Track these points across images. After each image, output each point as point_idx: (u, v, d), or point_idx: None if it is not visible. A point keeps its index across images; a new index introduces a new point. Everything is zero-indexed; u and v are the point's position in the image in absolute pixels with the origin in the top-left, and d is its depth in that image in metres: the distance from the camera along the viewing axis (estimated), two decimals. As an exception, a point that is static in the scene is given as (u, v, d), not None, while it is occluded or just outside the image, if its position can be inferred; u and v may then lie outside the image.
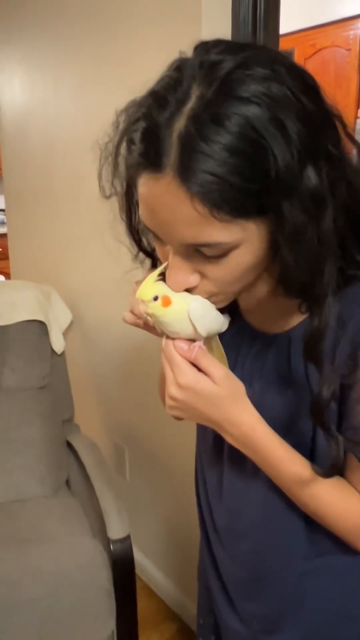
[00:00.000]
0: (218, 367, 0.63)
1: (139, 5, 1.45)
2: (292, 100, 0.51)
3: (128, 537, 1.38)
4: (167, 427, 1.69)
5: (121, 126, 0.59)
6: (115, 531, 1.38)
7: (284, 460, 0.65)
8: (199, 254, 0.57)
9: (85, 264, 1.96)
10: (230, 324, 0.71)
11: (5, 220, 2.60)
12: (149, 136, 0.53)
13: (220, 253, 0.56)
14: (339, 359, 0.61)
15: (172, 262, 0.59)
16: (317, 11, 3.98)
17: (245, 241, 0.55)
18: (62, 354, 1.90)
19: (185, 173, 0.51)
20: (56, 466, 1.73)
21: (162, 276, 0.63)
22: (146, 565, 1.94)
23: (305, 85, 0.53)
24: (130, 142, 0.56)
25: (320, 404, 0.59)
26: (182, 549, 1.74)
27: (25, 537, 1.45)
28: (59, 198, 2.04)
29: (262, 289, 0.67)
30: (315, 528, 0.70)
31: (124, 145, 0.59)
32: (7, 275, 3.03)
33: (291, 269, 0.57)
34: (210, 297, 0.62)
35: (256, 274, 0.62)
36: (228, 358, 0.72)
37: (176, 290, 0.61)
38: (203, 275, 0.60)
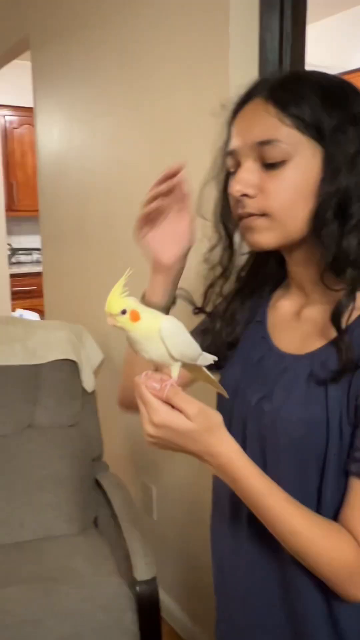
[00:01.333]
0: (191, 404, 0.64)
1: (168, 61, 1.53)
2: None
3: (154, 579, 1.38)
4: (195, 467, 1.70)
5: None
6: (141, 573, 1.38)
7: (262, 492, 0.66)
8: (262, 161, 0.68)
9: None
10: (256, 347, 0.78)
11: (41, 259, 2.69)
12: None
13: (277, 157, 0.66)
14: None
15: (243, 167, 0.69)
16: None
17: (297, 155, 0.66)
18: (93, 392, 1.94)
19: (275, 93, 0.68)
20: (85, 505, 1.75)
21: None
22: (172, 608, 1.92)
23: None
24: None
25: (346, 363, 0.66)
26: (209, 594, 1.72)
27: (52, 575, 1.47)
28: (92, 241, 2.12)
29: (311, 271, 0.73)
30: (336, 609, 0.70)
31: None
32: (41, 312, 3.12)
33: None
34: (258, 219, 0.69)
35: (303, 215, 0.68)
36: (249, 375, 0.76)
37: (241, 189, 0.69)
38: (261, 190, 0.68)
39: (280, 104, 0.66)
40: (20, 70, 3.02)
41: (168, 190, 0.75)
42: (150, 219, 0.77)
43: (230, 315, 0.83)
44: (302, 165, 0.66)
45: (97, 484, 1.82)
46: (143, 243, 0.79)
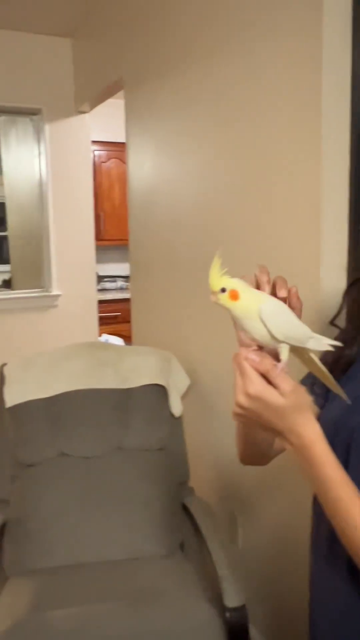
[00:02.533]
0: (287, 381, 0.66)
1: (258, 97, 1.59)
2: None
3: (244, 607, 1.38)
4: (282, 497, 1.69)
5: None
6: (231, 599, 1.38)
7: (336, 481, 0.67)
8: None
9: (203, 332, 2.06)
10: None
11: (125, 286, 2.79)
12: None
13: None
14: None
15: None
16: None
17: None
18: (180, 417, 1.98)
19: None
20: (172, 528, 1.78)
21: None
22: (257, 639, 1.90)
23: None
24: None
25: None
26: (295, 628, 1.69)
27: (141, 595, 1.50)
28: (180, 269, 2.19)
29: None
30: None
31: None
32: (127, 338, 3.23)
33: None
34: None
35: None
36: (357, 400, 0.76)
37: None
38: None
39: None
40: (107, 108, 3.20)
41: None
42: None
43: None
44: None
45: (184, 507, 1.85)
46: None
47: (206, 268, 0.66)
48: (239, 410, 0.70)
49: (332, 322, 0.86)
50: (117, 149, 4.58)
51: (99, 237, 4.67)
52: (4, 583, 1.65)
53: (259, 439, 0.82)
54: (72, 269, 3.46)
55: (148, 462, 1.87)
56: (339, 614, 0.80)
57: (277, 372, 0.66)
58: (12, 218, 4.26)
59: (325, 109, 1.36)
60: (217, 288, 0.66)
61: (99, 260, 4.47)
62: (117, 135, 3.95)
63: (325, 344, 0.70)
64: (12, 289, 4.28)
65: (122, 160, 4.61)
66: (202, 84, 1.91)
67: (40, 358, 2.00)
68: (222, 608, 1.39)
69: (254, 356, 0.67)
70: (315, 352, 0.71)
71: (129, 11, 2.45)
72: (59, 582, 1.58)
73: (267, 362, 0.67)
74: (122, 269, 4.92)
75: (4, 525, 1.76)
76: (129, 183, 2.63)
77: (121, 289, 4.88)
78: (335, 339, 0.75)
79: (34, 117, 3.31)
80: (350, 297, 0.87)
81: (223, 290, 0.66)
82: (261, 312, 0.65)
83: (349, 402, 0.74)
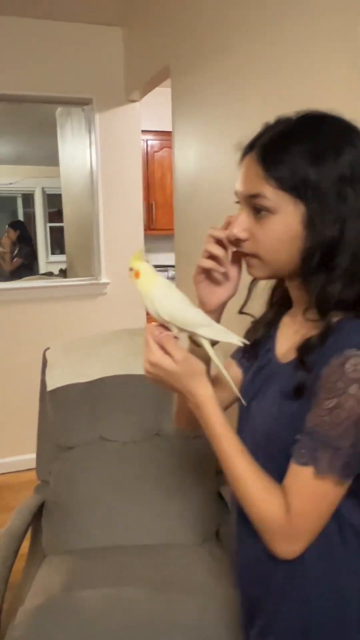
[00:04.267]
0: (178, 350, 0.80)
1: (306, 86, 1.54)
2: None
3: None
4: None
5: None
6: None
7: (221, 437, 0.80)
8: (255, 211, 0.78)
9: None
10: (264, 357, 0.90)
11: (174, 276, 2.79)
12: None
13: (264, 209, 0.76)
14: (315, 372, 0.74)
15: (241, 214, 0.81)
16: None
17: (281, 209, 0.75)
18: (219, 405, 1.97)
19: (261, 154, 0.77)
20: (207, 516, 1.78)
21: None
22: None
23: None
24: None
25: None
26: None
27: (172, 581, 1.51)
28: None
29: (300, 305, 0.84)
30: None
31: None
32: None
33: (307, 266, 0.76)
34: (252, 258, 0.82)
35: (286, 258, 0.78)
36: (252, 381, 0.90)
37: (236, 233, 0.80)
38: (252, 236, 0.80)
39: (265, 164, 0.76)
40: (159, 97, 3.19)
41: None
42: (205, 270, 0.89)
43: (257, 327, 0.97)
44: (286, 219, 0.76)
45: (220, 496, 1.84)
46: (197, 287, 0.92)
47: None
48: (147, 375, 0.83)
49: (241, 311, 0.96)
50: (168, 138, 4.58)
51: (150, 226, 4.70)
52: (42, 560, 1.70)
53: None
54: (120, 258, 3.49)
55: (185, 450, 1.87)
56: (249, 559, 0.90)
57: (171, 344, 0.80)
58: (67, 209, 4.36)
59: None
60: (129, 267, 0.83)
61: (151, 250, 4.50)
62: (170, 124, 3.96)
63: (219, 332, 0.83)
64: (67, 278, 4.39)
65: (174, 149, 4.61)
66: (249, 68, 1.87)
67: (81, 343, 2.04)
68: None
69: (154, 330, 0.81)
70: (210, 341, 0.84)
71: (177, -3, 2.44)
72: (92, 563, 1.61)
73: (163, 335, 0.81)
74: (173, 258, 4.93)
75: (43, 505, 1.81)
76: (174, 171, 2.62)
77: (172, 278, 4.89)
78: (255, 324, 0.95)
79: (85, 107, 3.35)
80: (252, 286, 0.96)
81: (131, 269, 0.83)
82: (151, 291, 0.81)
83: (244, 403, 0.88)
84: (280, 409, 0.81)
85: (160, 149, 4.88)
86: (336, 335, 0.74)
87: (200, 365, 0.81)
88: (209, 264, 0.87)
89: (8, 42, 3.03)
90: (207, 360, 0.88)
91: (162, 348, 0.80)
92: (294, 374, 0.79)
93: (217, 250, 0.85)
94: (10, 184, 8.17)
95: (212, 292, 0.91)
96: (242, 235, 0.81)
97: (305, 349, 0.77)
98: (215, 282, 0.90)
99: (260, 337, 0.94)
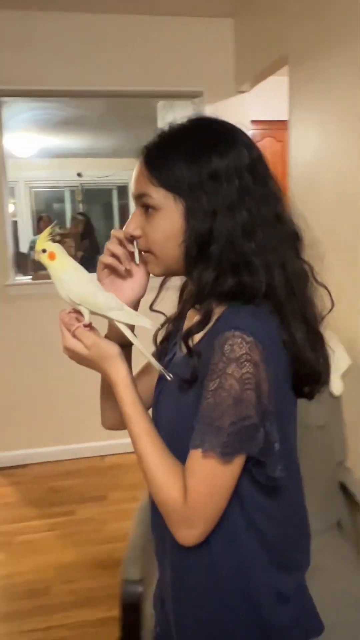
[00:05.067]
0: (86, 336, 0.83)
1: None
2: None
3: None
4: None
5: None
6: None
7: (130, 418, 0.83)
8: (144, 209, 0.84)
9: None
10: (171, 351, 0.93)
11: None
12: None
13: (151, 207, 0.83)
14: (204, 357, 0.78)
15: (133, 214, 0.87)
16: None
17: (165, 206, 0.82)
18: (339, 397, 1.96)
19: (146, 156, 0.84)
20: (329, 505, 1.79)
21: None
22: None
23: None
24: None
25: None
26: None
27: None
28: (343, 248, 2.14)
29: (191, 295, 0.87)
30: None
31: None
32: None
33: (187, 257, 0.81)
34: (145, 253, 0.87)
35: (175, 253, 0.83)
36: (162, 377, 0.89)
37: (129, 231, 0.86)
38: (144, 233, 0.86)
39: (149, 167, 0.83)
40: (263, 86, 3.18)
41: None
42: (109, 266, 0.92)
43: (167, 323, 1.00)
44: (169, 215, 0.82)
45: (341, 486, 1.84)
46: (102, 283, 0.92)
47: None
48: (68, 355, 0.86)
49: (152, 308, 0.98)
50: (271, 127, 4.54)
51: (251, 216, 4.69)
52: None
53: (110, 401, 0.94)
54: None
55: (307, 439, 1.88)
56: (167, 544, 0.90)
57: (78, 330, 0.83)
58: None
59: None
60: (40, 248, 0.83)
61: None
62: (271, 114, 3.91)
63: (131, 316, 0.86)
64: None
65: (276, 138, 4.55)
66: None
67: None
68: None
69: (65, 317, 0.85)
70: (124, 324, 0.86)
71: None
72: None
73: (71, 322, 0.84)
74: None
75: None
76: (290, 161, 2.61)
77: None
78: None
79: (195, 100, 3.40)
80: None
81: (44, 251, 0.82)
82: (62, 274, 0.83)
83: (169, 377, 0.86)
84: (178, 404, 0.84)
85: (262, 138, 4.85)
86: (221, 322, 0.79)
87: (112, 348, 0.84)
88: (109, 260, 0.90)
89: (121, 40, 3.15)
90: (128, 343, 0.91)
91: (73, 334, 0.84)
92: (186, 363, 0.83)
93: (116, 249, 0.89)
94: (107, 176, 8.44)
95: (117, 289, 0.93)
96: (135, 232, 0.87)
97: (186, 335, 0.82)
98: (121, 279, 0.93)
99: (168, 333, 0.99)
